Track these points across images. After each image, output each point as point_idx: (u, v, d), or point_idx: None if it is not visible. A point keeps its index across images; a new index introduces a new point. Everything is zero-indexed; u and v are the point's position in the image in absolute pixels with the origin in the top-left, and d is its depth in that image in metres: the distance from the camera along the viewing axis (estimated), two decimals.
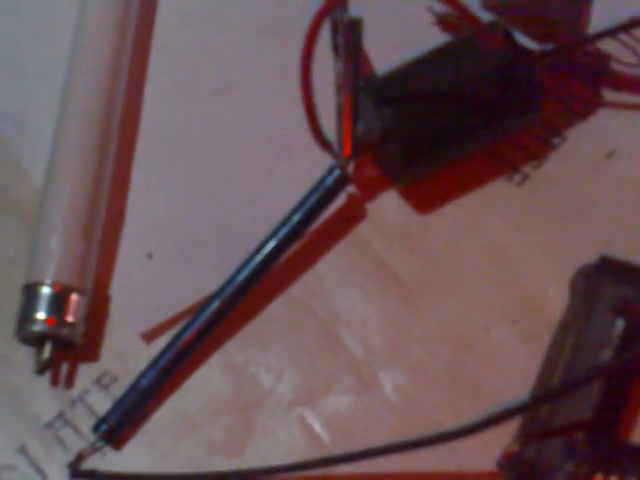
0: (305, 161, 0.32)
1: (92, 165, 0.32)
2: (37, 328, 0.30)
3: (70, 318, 0.30)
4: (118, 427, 0.29)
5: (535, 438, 0.26)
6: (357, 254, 0.32)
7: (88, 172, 0.32)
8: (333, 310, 0.31)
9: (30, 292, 0.30)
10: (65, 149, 0.32)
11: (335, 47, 0.31)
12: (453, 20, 0.34)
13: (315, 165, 0.31)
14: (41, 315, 0.30)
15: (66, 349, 0.30)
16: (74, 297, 0.30)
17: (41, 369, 0.30)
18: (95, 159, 0.32)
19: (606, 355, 0.27)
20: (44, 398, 0.30)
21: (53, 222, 0.31)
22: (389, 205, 0.33)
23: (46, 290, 0.30)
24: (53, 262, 0.31)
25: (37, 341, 0.30)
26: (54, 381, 0.30)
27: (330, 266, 0.32)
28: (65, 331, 0.30)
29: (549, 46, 0.32)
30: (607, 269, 0.28)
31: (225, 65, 0.35)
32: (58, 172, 0.32)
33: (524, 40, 0.31)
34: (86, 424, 0.30)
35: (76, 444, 0.29)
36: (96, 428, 0.29)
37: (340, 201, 0.32)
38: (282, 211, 0.31)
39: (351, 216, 0.32)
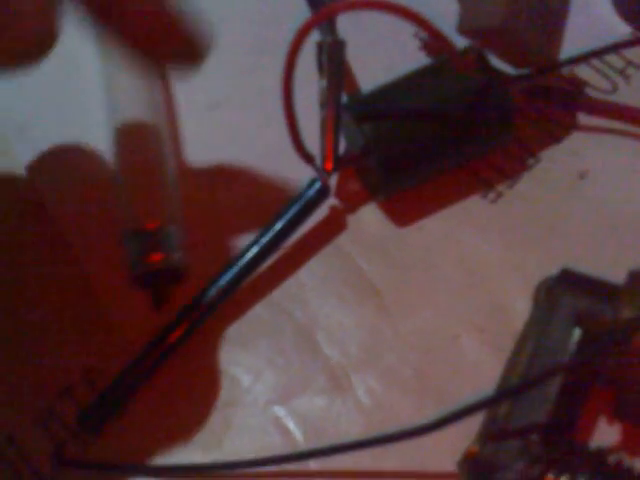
0: (293, 173, 0.34)
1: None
2: (149, 266, 0.31)
3: (173, 249, 0.32)
4: (101, 418, 0.30)
5: (493, 439, 0.27)
6: (337, 263, 0.33)
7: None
8: (312, 315, 0.33)
9: (132, 236, 0.32)
10: None
11: (320, 66, 0.33)
12: (437, 46, 0.35)
13: (303, 178, 0.33)
14: (151, 254, 0.31)
15: (172, 281, 0.32)
16: (171, 229, 0.32)
17: (159, 304, 0.32)
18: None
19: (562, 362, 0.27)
20: (32, 391, 0.31)
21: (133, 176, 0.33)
22: (369, 218, 0.34)
23: (146, 231, 0.32)
24: (145, 206, 0.32)
25: (149, 279, 0.32)
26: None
27: (311, 274, 0.33)
28: (174, 258, 0.31)
29: (524, 71, 0.33)
30: (567, 281, 0.29)
31: (219, 82, 0.37)
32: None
33: (500, 64, 0.33)
34: (73, 417, 0.31)
35: (63, 436, 0.31)
36: (80, 419, 0.30)
37: (322, 213, 0.34)
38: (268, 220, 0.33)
39: (332, 227, 0.34)
